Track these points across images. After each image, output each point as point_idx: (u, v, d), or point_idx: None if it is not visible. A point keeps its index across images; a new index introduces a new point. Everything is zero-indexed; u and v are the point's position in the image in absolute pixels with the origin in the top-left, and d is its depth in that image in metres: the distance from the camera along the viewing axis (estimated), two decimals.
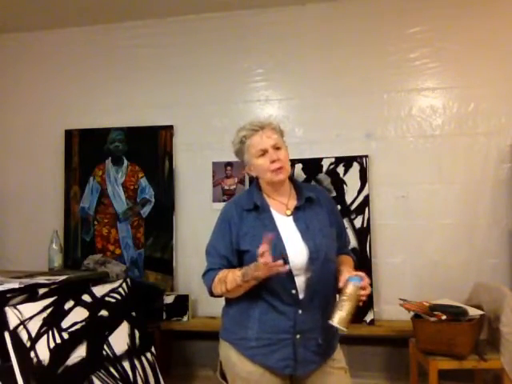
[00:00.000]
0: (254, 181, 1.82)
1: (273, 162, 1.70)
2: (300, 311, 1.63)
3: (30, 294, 2.28)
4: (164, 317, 3.41)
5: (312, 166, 3.42)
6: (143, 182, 3.66)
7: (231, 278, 1.60)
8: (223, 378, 1.79)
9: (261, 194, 1.78)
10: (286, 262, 1.58)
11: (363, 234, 3.30)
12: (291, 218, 1.73)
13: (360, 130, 3.41)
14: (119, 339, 2.59)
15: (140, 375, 2.61)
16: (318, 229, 1.71)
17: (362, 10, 3.43)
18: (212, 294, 1.70)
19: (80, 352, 2.33)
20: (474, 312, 2.57)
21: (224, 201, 3.45)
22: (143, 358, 2.69)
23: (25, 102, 3.91)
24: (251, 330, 1.65)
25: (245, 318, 1.67)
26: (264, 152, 1.71)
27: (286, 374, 1.66)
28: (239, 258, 1.69)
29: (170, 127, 3.65)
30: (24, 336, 2.11)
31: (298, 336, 1.63)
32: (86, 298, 2.52)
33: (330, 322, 1.52)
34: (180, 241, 3.59)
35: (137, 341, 2.70)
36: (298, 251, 1.66)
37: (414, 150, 3.34)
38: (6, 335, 2.05)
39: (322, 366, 1.70)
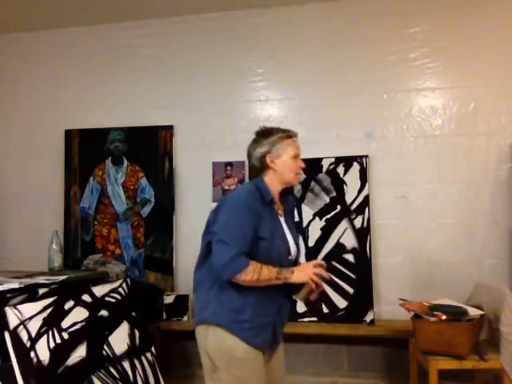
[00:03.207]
0: (259, 178, 1.92)
1: (300, 167, 1.95)
2: (284, 299, 1.91)
3: (29, 294, 2.28)
4: (164, 317, 3.42)
5: (312, 165, 3.42)
6: (143, 182, 3.66)
7: (266, 272, 1.75)
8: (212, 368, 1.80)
9: (270, 191, 1.91)
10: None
11: (363, 233, 3.30)
12: (282, 219, 1.96)
13: (360, 130, 3.41)
14: (119, 339, 2.60)
15: (140, 375, 2.61)
16: (295, 232, 2.01)
17: (361, 10, 3.43)
18: (233, 277, 1.73)
19: (80, 352, 2.33)
20: (473, 312, 2.56)
21: None
22: (143, 358, 2.69)
23: (25, 102, 3.92)
24: (246, 314, 1.79)
25: (239, 302, 1.79)
26: (297, 156, 1.93)
27: (266, 352, 1.89)
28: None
29: (170, 127, 3.65)
30: (24, 336, 2.11)
31: (278, 320, 1.90)
32: (86, 297, 2.52)
33: (295, 296, 1.88)
34: (180, 241, 3.59)
35: (137, 341, 2.70)
36: (291, 248, 1.94)
37: (413, 150, 3.34)
38: (6, 335, 2.05)
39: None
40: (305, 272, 1.81)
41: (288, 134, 1.92)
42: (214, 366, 1.78)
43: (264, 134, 1.93)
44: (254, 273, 1.73)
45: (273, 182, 1.90)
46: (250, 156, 1.95)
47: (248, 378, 1.79)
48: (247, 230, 1.77)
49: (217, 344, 1.79)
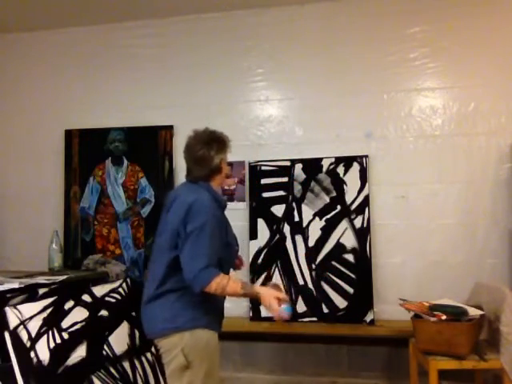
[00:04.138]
0: (207, 183, 2.05)
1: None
2: None
3: (29, 294, 2.28)
4: None
5: (312, 165, 3.43)
6: (143, 182, 3.66)
7: (233, 286, 1.89)
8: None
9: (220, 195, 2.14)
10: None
11: (363, 233, 3.30)
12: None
13: (360, 130, 3.41)
14: (119, 339, 2.60)
15: (140, 375, 2.61)
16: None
17: (361, 10, 3.43)
18: (200, 289, 1.86)
19: (80, 352, 2.33)
20: (474, 312, 2.56)
21: None
22: (143, 358, 2.69)
23: (25, 102, 3.92)
24: (213, 308, 2.01)
25: (209, 301, 1.96)
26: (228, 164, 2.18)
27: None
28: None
29: (170, 127, 3.65)
30: (24, 336, 2.11)
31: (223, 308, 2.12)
32: (86, 297, 2.52)
33: None
34: None
35: (137, 341, 2.70)
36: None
37: (413, 150, 3.34)
38: (6, 335, 2.05)
39: None
40: (265, 301, 1.92)
41: (230, 146, 2.12)
42: (188, 363, 1.90)
43: (218, 139, 2.07)
44: (218, 287, 1.86)
45: (216, 186, 2.10)
46: (199, 158, 2.02)
47: (213, 366, 1.99)
48: (215, 241, 1.91)
49: (194, 343, 1.92)
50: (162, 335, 1.95)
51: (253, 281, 3.38)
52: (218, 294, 1.91)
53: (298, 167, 3.44)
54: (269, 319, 3.32)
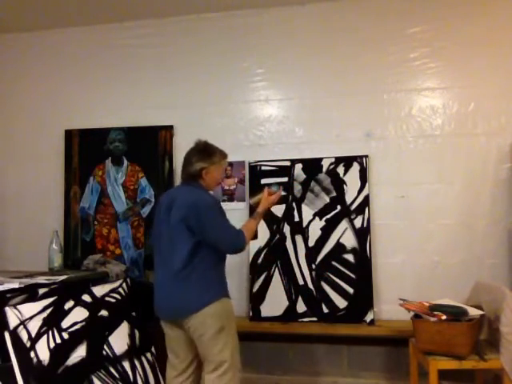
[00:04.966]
0: (201, 188, 2.44)
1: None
2: None
3: (29, 294, 2.28)
4: None
5: (312, 165, 3.43)
6: (143, 182, 3.66)
7: (250, 227, 2.51)
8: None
9: None
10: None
11: (363, 233, 3.30)
12: None
13: (360, 130, 3.41)
14: (119, 339, 2.60)
15: (140, 375, 2.61)
16: None
17: (361, 10, 3.43)
18: (243, 248, 2.39)
19: (80, 352, 2.33)
20: (473, 312, 2.56)
21: (224, 201, 3.49)
22: (143, 358, 2.69)
23: (25, 102, 3.92)
24: (223, 282, 2.41)
25: (220, 276, 2.40)
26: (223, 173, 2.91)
27: None
28: None
29: (170, 127, 3.65)
30: (24, 336, 2.11)
31: None
32: (86, 297, 2.52)
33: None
34: None
35: (137, 341, 2.70)
36: None
37: (413, 149, 3.34)
38: (6, 335, 2.05)
39: None
40: (264, 205, 2.61)
41: (224, 156, 2.54)
42: (222, 327, 2.27)
43: (207, 152, 2.47)
44: (248, 236, 2.43)
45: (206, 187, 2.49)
46: (188, 164, 2.44)
47: (235, 326, 2.39)
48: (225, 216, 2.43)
49: (222, 309, 2.31)
50: (196, 310, 2.24)
51: (253, 281, 3.39)
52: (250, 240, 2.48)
53: (298, 167, 3.44)
54: (269, 319, 3.33)
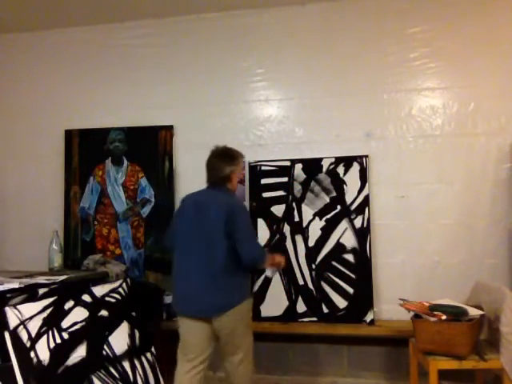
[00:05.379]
0: (229, 192, 2.59)
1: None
2: None
3: (30, 293, 2.28)
4: (164, 317, 3.42)
5: (312, 165, 3.42)
6: (143, 182, 3.66)
7: (269, 256, 2.64)
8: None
9: None
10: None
11: (363, 233, 3.30)
12: None
13: (360, 130, 3.41)
14: (119, 339, 2.60)
15: (140, 375, 2.61)
16: None
17: (361, 10, 3.43)
18: (262, 263, 2.58)
19: (80, 352, 2.33)
20: (473, 312, 2.56)
21: None
22: (143, 358, 2.70)
23: (25, 102, 3.92)
24: (248, 283, 2.62)
25: (246, 277, 2.57)
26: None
27: None
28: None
29: (170, 127, 3.65)
30: (24, 336, 2.11)
31: None
32: (86, 297, 2.53)
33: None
34: None
35: (137, 341, 2.71)
36: None
37: (413, 149, 3.34)
38: (6, 335, 2.05)
39: None
40: (272, 261, 2.69)
41: (242, 155, 2.67)
42: (248, 322, 2.53)
43: (231, 156, 2.59)
44: (268, 259, 2.60)
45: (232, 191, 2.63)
46: (215, 169, 2.55)
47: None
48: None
49: (249, 308, 2.53)
50: (231, 307, 2.39)
51: (253, 280, 3.39)
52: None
53: (298, 167, 3.44)
54: (269, 319, 3.33)
